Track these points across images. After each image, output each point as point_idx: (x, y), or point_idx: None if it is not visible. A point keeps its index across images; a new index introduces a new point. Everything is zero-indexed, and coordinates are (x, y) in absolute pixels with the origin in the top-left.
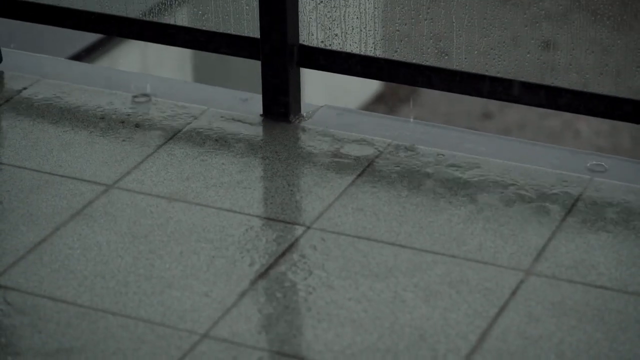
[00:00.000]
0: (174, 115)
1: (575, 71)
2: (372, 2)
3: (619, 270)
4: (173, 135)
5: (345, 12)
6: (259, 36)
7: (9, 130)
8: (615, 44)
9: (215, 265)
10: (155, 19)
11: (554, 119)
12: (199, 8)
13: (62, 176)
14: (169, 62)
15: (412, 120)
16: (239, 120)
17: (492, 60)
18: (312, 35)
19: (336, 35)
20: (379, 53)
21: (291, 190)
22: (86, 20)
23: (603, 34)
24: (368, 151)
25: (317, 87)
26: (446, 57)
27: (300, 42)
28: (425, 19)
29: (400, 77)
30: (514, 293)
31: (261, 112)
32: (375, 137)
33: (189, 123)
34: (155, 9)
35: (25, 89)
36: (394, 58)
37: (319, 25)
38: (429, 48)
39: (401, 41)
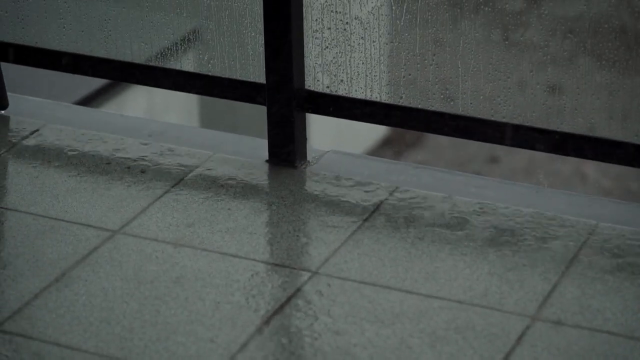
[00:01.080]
0: (180, 161)
1: (582, 116)
2: (377, 47)
3: (625, 316)
4: (179, 181)
5: (350, 57)
6: (265, 81)
7: (15, 176)
8: (621, 88)
9: (220, 311)
10: (160, 64)
11: (560, 163)
12: (204, 53)
13: (67, 222)
14: (175, 107)
15: (418, 165)
16: (244, 166)
17: (498, 105)
18: (318, 80)
19: (342, 80)
20: (384, 98)
21: (297, 236)
22: (92, 66)
23: (609, 78)
24: (374, 196)
25: (323, 131)
26: (452, 102)
27: (306, 87)
28: (431, 65)
29: (406, 122)
30: (520, 339)
31: (267, 157)
32: (381, 182)
33: (195, 168)
34: (160, 54)
35: (31, 134)
36: (399, 103)
37: (325, 70)
38: (434, 93)
39: (407, 86)
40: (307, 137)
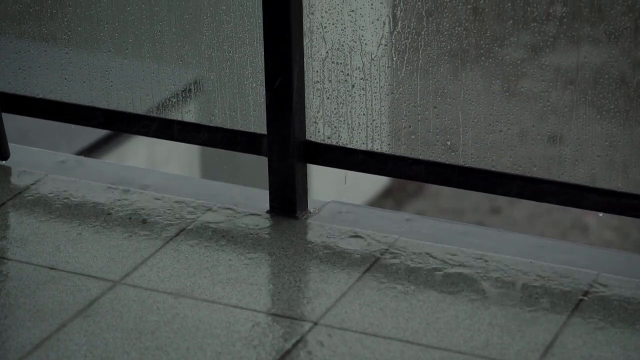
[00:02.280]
0: (181, 211)
1: (582, 166)
2: (378, 98)
3: None
4: (180, 231)
5: (351, 108)
6: (266, 132)
7: (16, 226)
8: (622, 139)
9: None
10: (161, 115)
11: (561, 213)
12: (205, 104)
13: (68, 272)
14: (176, 157)
15: (419, 215)
16: (245, 216)
17: (499, 155)
18: (319, 131)
19: (343, 131)
20: (385, 149)
21: (298, 287)
22: (93, 116)
23: (610, 128)
24: (375, 247)
25: (324, 181)
26: (453, 153)
27: (307, 138)
28: (432, 115)
29: (407, 173)
30: None
31: (268, 208)
32: (382, 232)
33: (196, 219)
34: (161, 105)
35: (32, 184)
36: (400, 154)
37: (326, 121)
38: (435, 144)
39: (408, 137)
40: (308, 187)
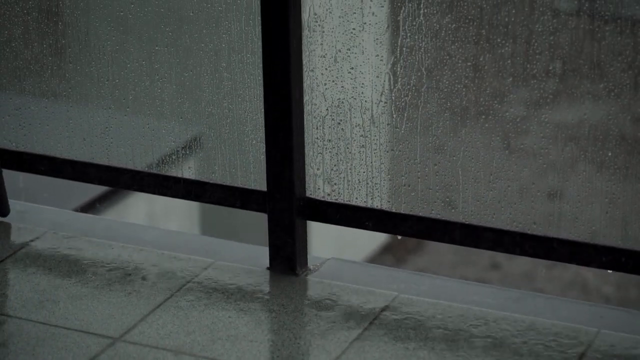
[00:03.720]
0: (181, 268)
1: (582, 223)
2: (378, 155)
3: None
4: (180, 288)
5: (351, 165)
6: (266, 189)
7: (16, 283)
8: (622, 195)
9: None
10: (161, 172)
11: (561, 270)
12: (206, 161)
13: (68, 329)
14: (176, 214)
15: (418, 272)
16: (245, 273)
17: (499, 212)
18: (319, 188)
19: (343, 188)
20: (385, 206)
21: (297, 344)
22: (93, 173)
23: (609, 185)
24: (375, 304)
25: (324, 238)
26: (453, 210)
27: (307, 195)
28: (432, 172)
29: (406, 230)
30: None
31: (268, 264)
32: (382, 289)
33: (195, 275)
34: (162, 162)
35: (32, 240)
36: (400, 211)
37: (326, 178)
38: (435, 201)
39: (408, 194)
40: (308, 244)
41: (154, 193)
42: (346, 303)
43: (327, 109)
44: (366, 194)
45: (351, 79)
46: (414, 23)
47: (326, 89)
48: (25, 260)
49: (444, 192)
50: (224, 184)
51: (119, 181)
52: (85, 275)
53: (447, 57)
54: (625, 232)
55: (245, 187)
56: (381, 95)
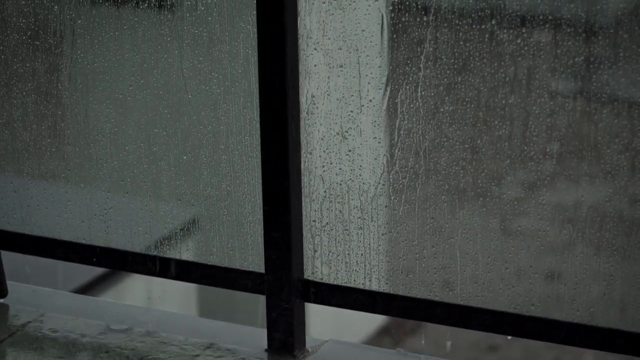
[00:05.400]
0: (179, 350)
1: (580, 304)
2: (376, 237)
3: None
4: None
5: (349, 247)
6: (264, 271)
7: None
8: (620, 276)
9: None
10: (159, 254)
11: (559, 352)
12: (204, 242)
13: None
14: (174, 295)
15: (416, 354)
16: (244, 355)
17: (497, 294)
18: (317, 269)
19: (341, 270)
20: (383, 288)
21: None
22: (91, 255)
23: (607, 267)
24: None
25: (322, 319)
26: (451, 292)
27: (305, 276)
28: (430, 254)
29: (405, 312)
30: None
31: (266, 346)
32: None
33: (195, 357)
34: (159, 243)
35: (30, 322)
36: (398, 293)
37: (324, 260)
38: (433, 283)
39: (406, 276)
40: (306, 325)
41: (152, 275)
42: None
43: (325, 191)
44: (364, 276)
45: (349, 161)
46: (412, 106)
47: (324, 171)
48: (22, 342)
49: (442, 273)
50: (222, 265)
51: (117, 263)
52: (82, 357)
53: (445, 140)
54: (623, 314)
55: (243, 268)
56: (379, 177)
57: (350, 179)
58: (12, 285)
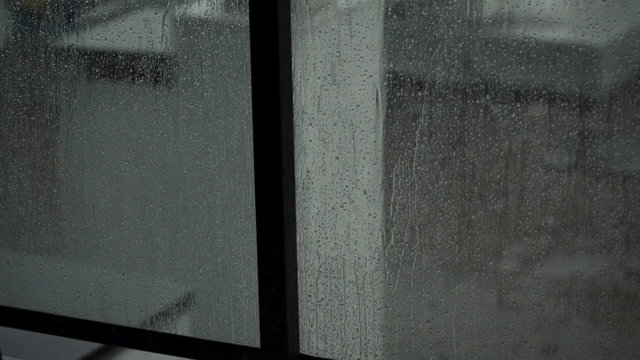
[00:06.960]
0: None
1: None
2: (372, 312)
3: None
4: None
5: (345, 322)
6: (260, 346)
7: None
8: (616, 350)
9: None
10: (155, 329)
11: None
12: (199, 318)
13: None
14: None
15: None
16: None
17: None
18: (312, 344)
19: (336, 345)
20: None
21: None
22: (87, 330)
23: (603, 340)
24: None
25: None
26: None
27: (301, 352)
28: (426, 329)
29: None
30: None
31: None
32: None
33: None
34: (155, 318)
35: None
36: None
37: (319, 335)
38: (429, 357)
39: (402, 350)
40: None
41: (148, 350)
42: None
43: (320, 266)
44: (360, 351)
45: (344, 235)
46: (407, 180)
47: (319, 245)
48: None
49: (438, 348)
50: (218, 341)
51: (113, 338)
52: None
53: (440, 214)
54: None
55: (239, 343)
56: (374, 252)
57: (345, 254)
58: None
